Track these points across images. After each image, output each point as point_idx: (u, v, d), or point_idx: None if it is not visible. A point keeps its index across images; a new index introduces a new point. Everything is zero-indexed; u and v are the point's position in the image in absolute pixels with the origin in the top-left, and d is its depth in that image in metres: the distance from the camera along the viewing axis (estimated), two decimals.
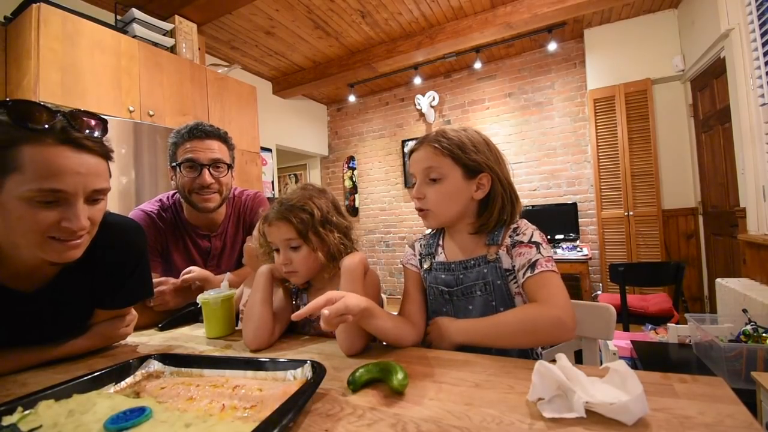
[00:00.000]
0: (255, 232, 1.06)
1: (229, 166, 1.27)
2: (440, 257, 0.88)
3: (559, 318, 0.67)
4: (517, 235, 0.80)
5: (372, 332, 0.75)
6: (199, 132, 1.21)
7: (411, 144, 0.89)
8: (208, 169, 1.20)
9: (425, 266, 0.89)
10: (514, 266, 0.78)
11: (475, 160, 0.80)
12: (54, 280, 0.77)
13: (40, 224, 0.63)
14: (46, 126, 0.61)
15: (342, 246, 0.87)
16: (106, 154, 0.71)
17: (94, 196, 0.68)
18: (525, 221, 0.84)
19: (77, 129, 0.65)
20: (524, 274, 0.75)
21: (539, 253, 0.75)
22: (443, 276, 0.85)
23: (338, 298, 0.66)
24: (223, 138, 1.27)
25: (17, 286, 0.73)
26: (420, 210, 0.85)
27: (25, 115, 0.60)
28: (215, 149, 1.23)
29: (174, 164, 1.23)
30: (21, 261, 0.71)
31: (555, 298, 0.70)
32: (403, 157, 4.65)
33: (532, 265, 0.74)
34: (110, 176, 0.73)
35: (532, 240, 0.78)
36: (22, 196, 0.60)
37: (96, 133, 0.68)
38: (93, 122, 0.68)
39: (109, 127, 0.72)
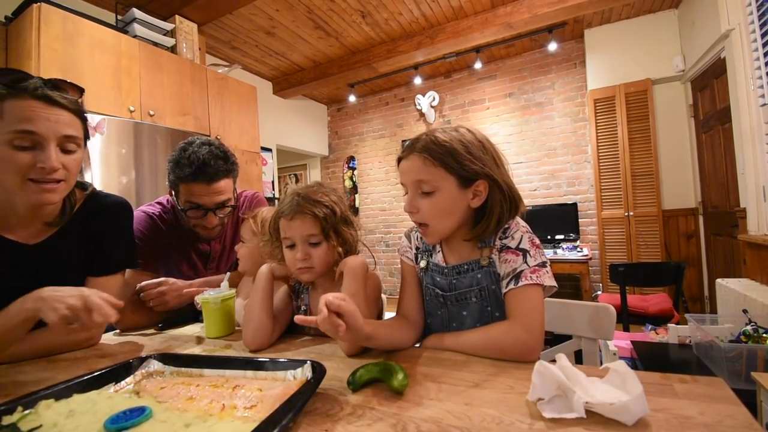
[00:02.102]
0: (253, 226, 1.05)
1: (233, 207, 1.21)
2: (437, 257, 0.85)
3: (525, 341, 0.67)
4: (506, 237, 0.76)
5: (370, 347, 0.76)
6: (205, 176, 1.09)
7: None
8: (214, 212, 1.15)
9: (422, 265, 0.87)
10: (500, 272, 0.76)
11: (470, 168, 0.73)
12: (51, 238, 0.88)
13: (18, 164, 0.74)
14: (23, 85, 0.74)
15: (355, 244, 0.87)
16: (77, 112, 0.81)
17: (66, 144, 0.79)
18: (517, 221, 0.79)
19: (52, 90, 0.77)
20: (507, 284, 0.72)
21: (525, 262, 0.72)
22: (438, 279, 0.83)
23: (350, 310, 0.64)
24: (228, 172, 1.15)
25: (19, 237, 0.84)
26: (419, 224, 0.80)
27: (8, 77, 0.74)
28: (222, 190, 1.14)
29: (174, 197, 1.16)
30: (14, 213, 0.82)
31: (527, 319, 0.68)
32: None
33: (516, 277, 0.71)
34: (87, 135, 0.86)
35: (520, 246, 0.74)
36: (3, 139, 0.73)
37: (73, 97, 0.81)
38: (71, 88, 0.82)
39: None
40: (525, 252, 0.74)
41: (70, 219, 0.90)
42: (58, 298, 0.70)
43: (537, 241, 0.76)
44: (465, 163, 0.73)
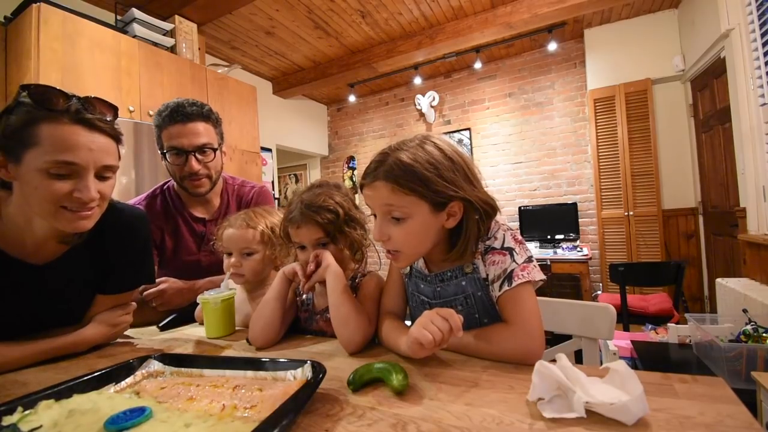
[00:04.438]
0: (252, 226, 1.03)
1: (215, 150, 1.22)
2: (419, 263, 0.82)
3: (528, 347, 0.66)
4: (488, 239, 0.74)
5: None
6: (180, 116, 1.15)
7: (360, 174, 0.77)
8: (194, 156, 1.17)
9: (405, 270, 0.85)
10: (488, 275, 0.73)
11: (443, 193, 0.68)
12: (62, 257, 0.83)
13: (54, 193, 0.70)
14: (63, 108, 0.70)
15: (363, 240, 0.90)
16: (115, 136, 0.78)
17: (104, 173, 0.76)
18: (495, 220, 0.76)
19: (90, 112, 0.73)
20: (500, 287, 0.70)
21: (514, 261, 0.70)
22: (422, 286, 0.81)
23: None
24: (206, 116, 1.20)
25: (28, 259, 0.79)
26: (390, 251, 0.75)
27: (44, 98, 0.69)
28: (200, 132, 1.17)
29: (161, 151, 1.20)
30: (31, 235, 0.78)
31: (527, 323, 0.67)
32: None
33: (509, 278, 0.69)
34: (119, 158, 0.81)
35: (505, 246, 0.72)
36: (39, 167, 0.68)
37: (107, 118, 0.76)
38: (104, 107, 0.77)
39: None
40: (511, 250, 0.72)
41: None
42: None
43: (519, 236, 0.75)
44: (437, 188, 0.68)
